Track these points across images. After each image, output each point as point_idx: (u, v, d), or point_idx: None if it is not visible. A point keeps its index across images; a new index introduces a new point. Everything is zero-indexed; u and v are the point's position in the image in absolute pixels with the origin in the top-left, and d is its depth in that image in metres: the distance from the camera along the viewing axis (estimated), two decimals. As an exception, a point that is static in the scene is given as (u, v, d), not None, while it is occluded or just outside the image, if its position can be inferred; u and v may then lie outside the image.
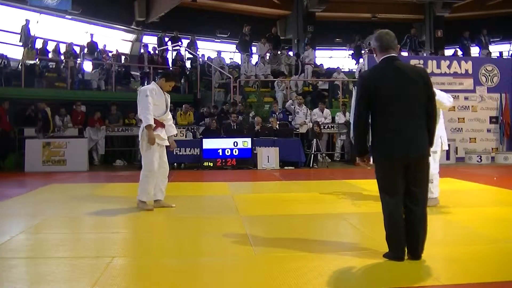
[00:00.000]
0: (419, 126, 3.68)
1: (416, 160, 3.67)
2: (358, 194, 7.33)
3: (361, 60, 16.92)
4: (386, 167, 3.71)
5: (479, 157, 12.85)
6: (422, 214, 3.70)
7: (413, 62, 11.83)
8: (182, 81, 16.75)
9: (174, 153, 11.83)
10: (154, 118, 5.96)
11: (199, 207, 6.61)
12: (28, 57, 14.56)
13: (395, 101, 3.64)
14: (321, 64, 17.89)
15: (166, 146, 6.30)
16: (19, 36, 15.38)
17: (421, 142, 3.68)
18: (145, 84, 14.32)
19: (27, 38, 15.11)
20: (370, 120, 3.73)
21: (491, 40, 19.95)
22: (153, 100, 5.95)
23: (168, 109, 6.26)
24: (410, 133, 3.65)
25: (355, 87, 12.94)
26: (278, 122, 12.87)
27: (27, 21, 15.47)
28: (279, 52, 17.51)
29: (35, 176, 10.51)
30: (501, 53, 20.13)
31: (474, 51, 18.64)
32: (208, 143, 11.81)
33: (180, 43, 17.96)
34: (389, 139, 3.66)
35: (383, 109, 3.67)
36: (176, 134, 6.77)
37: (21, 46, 15.07)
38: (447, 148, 6.80)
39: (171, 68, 16.89)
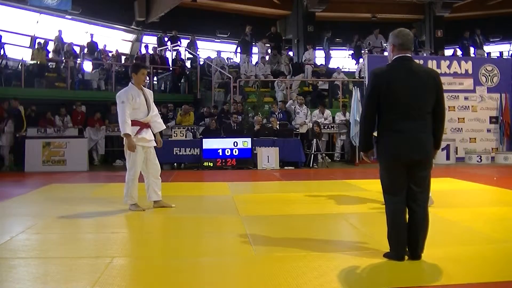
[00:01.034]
0: (425, 128, 3.68)
1: (420, 161, 3.68)
2: (358, 194, 7.32)
3: (361, 60, 16.93)
4: (390, 167, 3.72)
5: (479, 157, 12.85)
6: (423, 214, 3.70)
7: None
8: (182, 81, 16.76)
9: (174, 153, 11.89)
10: (137, 121, 5.86)
11: (199, 207, 6.61)
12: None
13: (405, 101, 3.65)
14: (321, 64, 17.90)
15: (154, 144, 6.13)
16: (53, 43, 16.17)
17: (426, 144, 3.69)
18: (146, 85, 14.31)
19: (61, 45, 15.88)
20: (377, 118, 3.74)
21: (491, 40, 19.95)
22: (131, 105, 5.78)
23: (151, 108, 6.04)
24: (416, 134, 3.65)
25: (355, 87, 12.95)
26: (278, 122, 12.88)
27: (60, 32, 16.27)
28: (282, 51, 17.47)
29: (35, 176, 10.52)
30: (501, 53, 20.13)
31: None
32: (208, 143, 11.81)
33: (179, 42, 17.96)
34: (395, 140, 3.67)
35: (391, 109, 3.67)
36: (165, 128, 6.57)
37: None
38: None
39: (171, 68, 16.91)
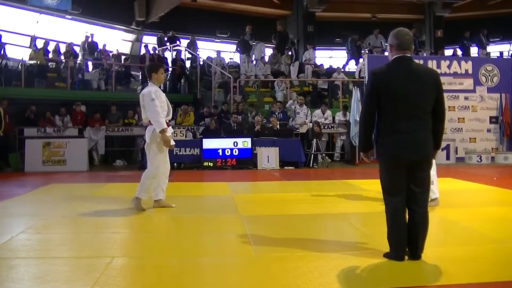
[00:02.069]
0: (425, 128, 3.68)
1: (420, 161, 3.68)
2: (358, 194, 7.32)
3: (361, 60, 16.92)
4: (390, 167, 3.72)
5: (479, 157, 12.85)
6: (423, 214, 3.70)
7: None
8: (182, 81, 16.76)
9: (174, 153, 11.87)
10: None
11: (199, 207, 6.60)
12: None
13: (404, 101, 3.64)
14: (321, 64, 17.89)
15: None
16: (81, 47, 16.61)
17: (426, 144, 3.69)
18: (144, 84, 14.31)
19: (94, 50, 16.37)
20: (377, 118, 3.74)
21: (491, 40, 19.94)
22: (159, 102, 5.85)
23: (170, 108, 6.17)
24: (417, 134, 3.64)
25: (355, 87, 12.95)
26: (278, 122, 12.87)
27: (92, 35, 16.80)
28: (289, 52, 17.45)
29: (35, 176, 10.51)
30: (501, 53, 20.13)
31: (474, 51, 18.64)
32: (208, 143, 11.81)
33: (178, 42, 17.97)
34: (395, 140, 3.66)
35: (391, 108, 3.66)
36: (172, 133, 6.68)
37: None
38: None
39: (170, 69, 16.90)
